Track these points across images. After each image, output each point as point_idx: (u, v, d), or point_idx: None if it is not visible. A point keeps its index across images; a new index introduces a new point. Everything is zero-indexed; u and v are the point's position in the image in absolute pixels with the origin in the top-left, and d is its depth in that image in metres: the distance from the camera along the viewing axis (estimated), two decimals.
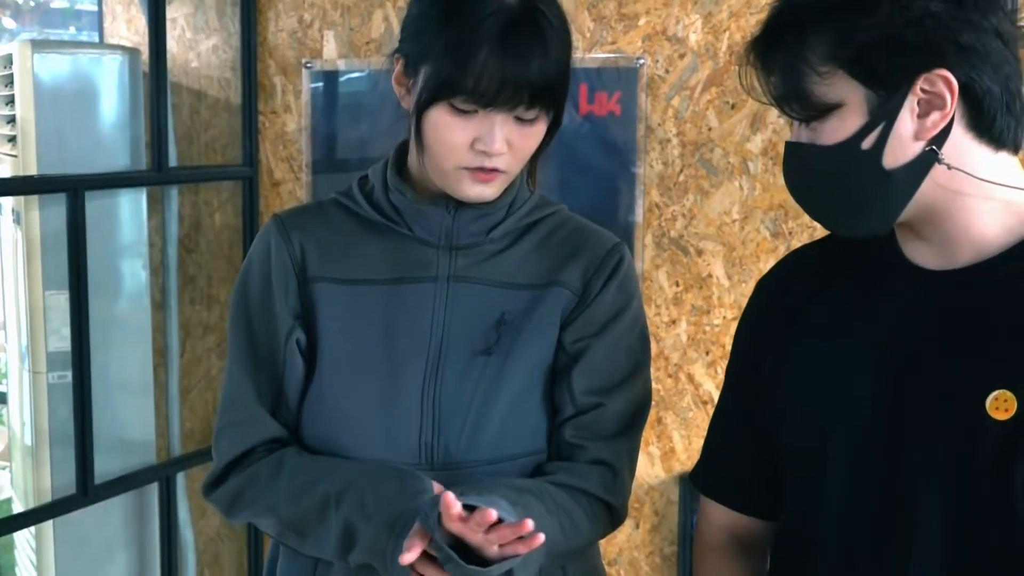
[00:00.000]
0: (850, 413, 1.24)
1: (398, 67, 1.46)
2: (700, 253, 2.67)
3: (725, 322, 2.66)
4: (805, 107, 1.21)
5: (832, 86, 1.18)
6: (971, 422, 1.15)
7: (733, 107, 2.61)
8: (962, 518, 1.16)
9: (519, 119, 1.40)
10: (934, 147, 1.18)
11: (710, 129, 2.64)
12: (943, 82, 1.15)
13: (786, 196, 2.55)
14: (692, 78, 2.64)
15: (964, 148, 1.19)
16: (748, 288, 2.60)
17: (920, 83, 1.16)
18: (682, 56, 2.65)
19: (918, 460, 1.18)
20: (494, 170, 1.43)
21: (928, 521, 1.18)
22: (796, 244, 2.55)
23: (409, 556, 1.28)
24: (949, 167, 1.18)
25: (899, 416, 1.20)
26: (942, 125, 1.17)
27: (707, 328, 2.68)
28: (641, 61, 2.68)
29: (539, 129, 1.43)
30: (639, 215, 2.70)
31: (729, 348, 2.63)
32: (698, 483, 1.51)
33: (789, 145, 1.27)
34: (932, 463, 1.18)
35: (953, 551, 1.17)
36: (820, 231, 2.49)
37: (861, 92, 1.17)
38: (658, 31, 2.66)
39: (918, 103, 1.17)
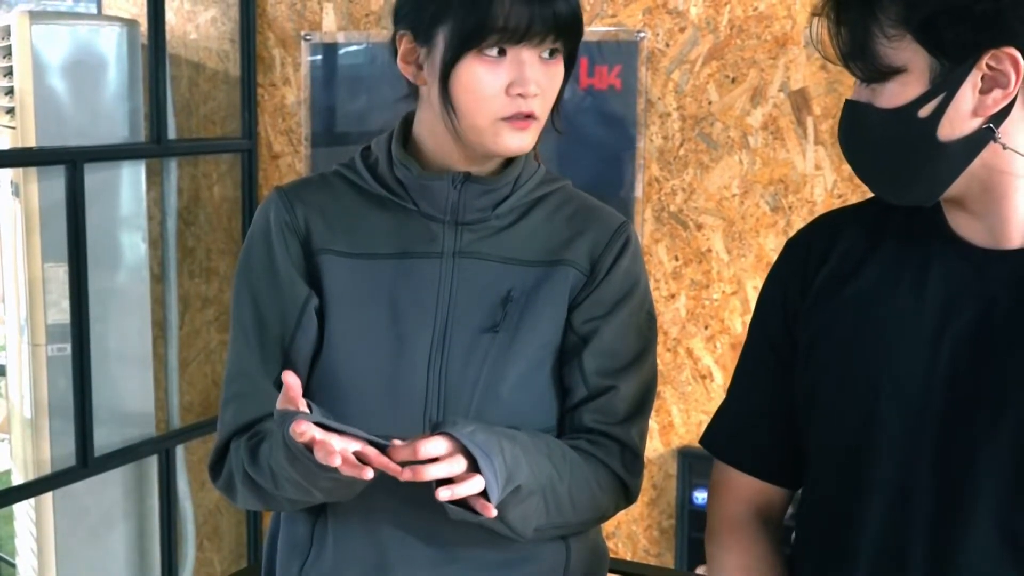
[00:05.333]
0: (901, 386, 1.23)
1: (403, 45, 1.45)
2: (700, 227, 2.67)
3: (724, 297, 2.67)
4: (869, 67, 1.20)
5: (898, 49, 1.17)
6: None
7: (733, 81, 2.60)
8: (1021, 500, 1.16)
9: (542, 58, 1.41)
10: (991, 125, 1.16)
11: (710, 103, 2.63)
12: (1010, 61, 1.13)
13: (786, 171, 2.56)
14: (692, 52, 2.63)
15: (1022, 129, 1.17)
16: (747, 263, 2.61)
17: (986, 59, 1.14)
18: (683, 29, 2.64)
19: (973, 451, 1.17)
20: (530, 116, 1.42)
21: (986, 503, 1.17)
22: (796, 219, 2.55)
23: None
24: (1005, 147, 1.17)
25: (955, 394, 1.20)
26: (1003, 104, 1.15)
27: (706, 303, 2.68)
28: (641, 34, 2.67)
29: (560, 68, 1.44)
30: (639, 189, 2.70)
31: (728, 323, 2.65)
32: (720, 451, 1.48)
33: (848, 103, 1.26)
34: (989, 455, 1.17)
35: (1012, 531, 1.16)
36: (820, 207, 2.50)
37: (926, 60, 1.16)
38: (659, 4, 2.65)
39: (982, 79, 1.15)
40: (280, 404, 1.31)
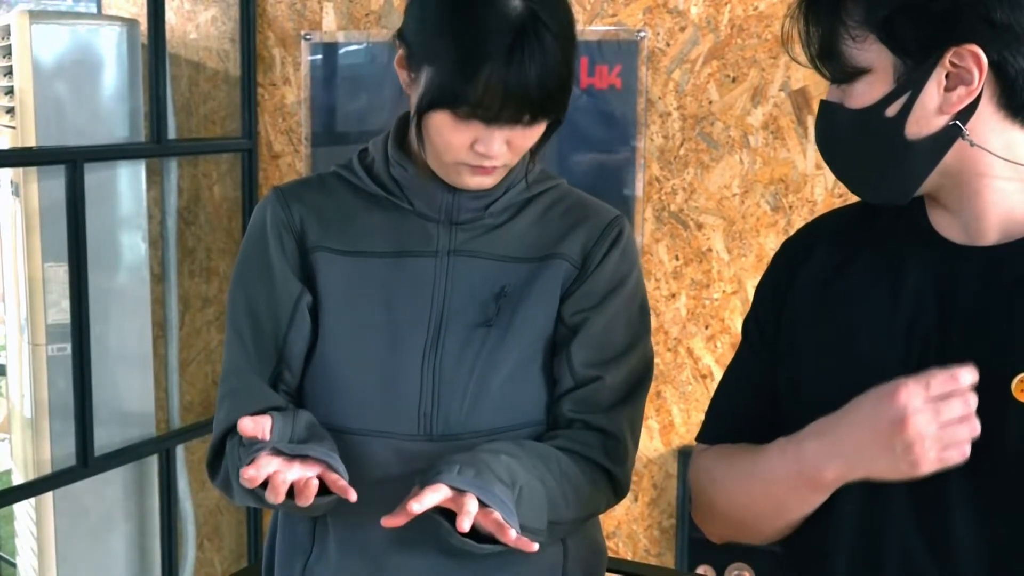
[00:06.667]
0: (875, 381, 1.21)
1: (400, 52, 1.45)
2: (700, 227, 2.67)
3: (725, 296, 2.66)
4: (837, 68, 1.22)
5: (863, 50, 1.18)
6: (996, 404, 1.14)
7: (734, 80, 2.60)
8: (991, 499, 1.16)
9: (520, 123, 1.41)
10: (958, 122, 1.17)
11: (711, 102, 2.63)
12: (972, 58, 1.14)
13: (786, 170, 2.56)
14: (693, 51, 2.63)
15: (993, 127, 1.18)
16: (748, 262, 2.60)
17: (949, 56, 1.15)
18: (683, 29, 2.63)
19: None
20: (492, 167, 1.44)
21: (958, 500, 1.17)
22: (796, 219, 2.55)
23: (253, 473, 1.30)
24: (972, 144, 1.17)
25: None
26: (967, 101, 1.16)
27: (707, 302, 2.68)
28: (642, 34, 2.66)
29: (539, 129, 1.44)
30: (639, 189, 2.70)
31: (728, 322, 2.65)
32: (702, 436, 1.48)
33: (822, 103, 1.28)
34: None
35: (986, 529, 1.16)
36: (820, 207, 2.50)
37: (890, 59, 1.17)
38: (659, 3, 2.65)
39: (946, 76, 1.16)
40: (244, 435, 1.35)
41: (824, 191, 2.54)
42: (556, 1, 1.40)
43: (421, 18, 1.42)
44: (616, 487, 1.54)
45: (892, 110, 1.18)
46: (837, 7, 1.20)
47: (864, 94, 1.20)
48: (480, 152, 1.41)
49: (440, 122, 1.39)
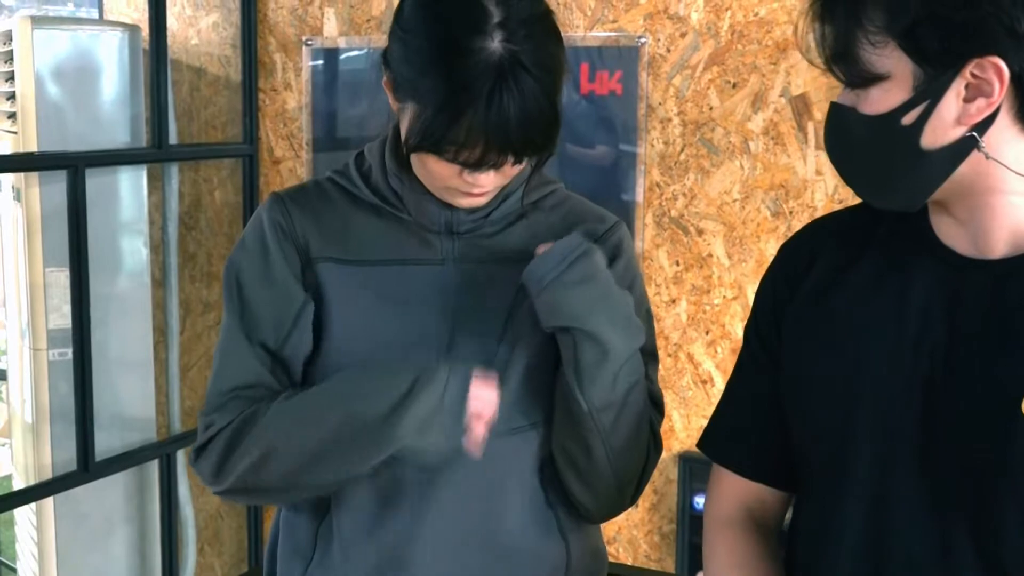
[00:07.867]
0: (879, 392, 1.23)
1: (386, 75, 1.44)
2: (700, 233, 2.67)
3: (725, 302, 2.67)
4: (853, 72, 1.19)
5: (882, 56, 1.16)
6: (1005, 421, 1.13)
7: (734, 86, 2.60)
8: (994, 517, 1.15)
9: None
10: (975, 134, 1.15)
11: (711, 108, 2.63)
12: (993, 69, 1.12)
13: (787, 176, 2.56)
14: (693, 57, 2.63)
15: (1008, 139, 1.16)
16: (748, 268, 2.61)
17: (970, 67, 1.13)
18: (683, 35, 2.64)
19: (949, 455, 1.17)
20: (483, 192, 1.44)
21: (960, 518, 1.17)
22: (797, 224, 2.55)
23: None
24: (988, 156, 1.16)
25: (930, 406, 1.19)
26: (987, 113, 1.14)
27: (707, 308, 2.68)
28: (642, 40, 2.67)
29: (525, 164, 1.44)
30: (640, 194, 2.70)
31: (729, 327, 2.65)
32: (709, 449, 1.47)
33: (833, 105, 1.25)
34: (964, 460, 1.16)
35: (985, 549, 1.16)
36: (821, 212, 2.50)
37: (909, 67, 1.15)
38: (659, 9, 2.65)
39: (966, 87, 1.14)
40: None
41: (824, 196, 2.54)
42: (539, 38, 1.36)
43: (404, 53, 1.40)
44: (637, 490, 1.56)
45: (909, 119, 1.16)
46: (856, 11, 1.17)
47: (880, 100, 1.18)
48: (469, 182, 1.40)
49: (426, 158, 1.39)
